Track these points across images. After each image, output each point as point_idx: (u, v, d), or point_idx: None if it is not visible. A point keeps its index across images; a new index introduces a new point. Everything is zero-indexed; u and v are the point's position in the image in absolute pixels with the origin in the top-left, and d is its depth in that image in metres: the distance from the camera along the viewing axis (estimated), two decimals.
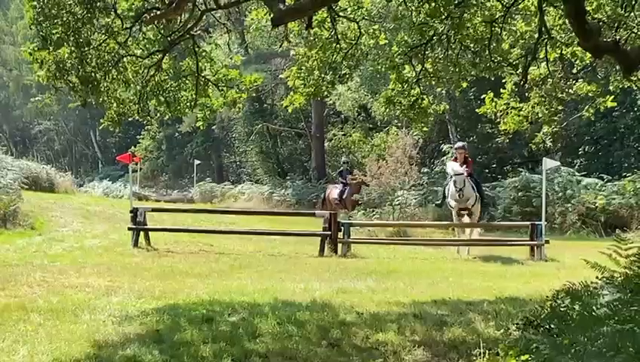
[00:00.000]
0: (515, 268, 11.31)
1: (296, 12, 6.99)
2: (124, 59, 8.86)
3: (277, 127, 35.62)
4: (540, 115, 10.33)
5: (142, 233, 13.56)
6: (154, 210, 16.39)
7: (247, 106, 30.90)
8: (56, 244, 13.03)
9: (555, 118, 10.84)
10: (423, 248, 14.36)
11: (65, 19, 7.89)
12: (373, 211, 20.88)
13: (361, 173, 20.88)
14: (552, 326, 4.04)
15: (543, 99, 10.19)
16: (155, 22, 8.43)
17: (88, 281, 8.79)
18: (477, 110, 11.85)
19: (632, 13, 8.55)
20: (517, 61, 9.47)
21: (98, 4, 7.88)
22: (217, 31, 24.15)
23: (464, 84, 10.10)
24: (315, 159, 32.99)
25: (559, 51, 9.36)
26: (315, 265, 11.31)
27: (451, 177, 13.19)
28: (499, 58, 9.21)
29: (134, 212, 13.70)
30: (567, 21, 7.80)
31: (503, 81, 10.45)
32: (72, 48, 8.13)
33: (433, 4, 7.80)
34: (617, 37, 7.71)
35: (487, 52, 8.77)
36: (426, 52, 9.10)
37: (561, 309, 4.18)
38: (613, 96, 10.57)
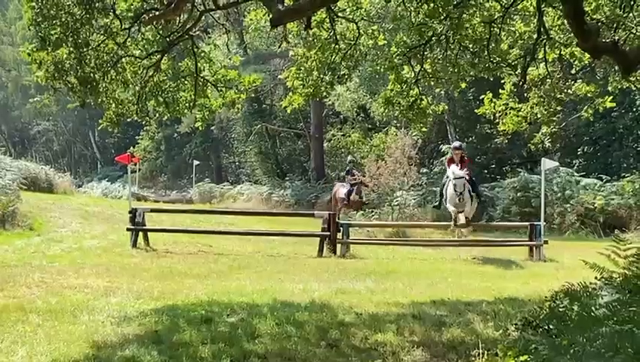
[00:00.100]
0: (513, 269, 11.32)
1: (295, 13, 7.00)
2: (123, 59, 8.86)
3: (276, 128, 35.62)
4: (538, 116, 10.34)
5: (141, 234, 13.56)
6: (153, 210, 16.38)
7: (246, 107, 30.87)
8: (55, 245, 13.02)
9: (554, 119, 10.85)
10: (421, 249, 14.35)
11: (63, 19, 7.88)
12: (372, 212, 20.87)
13: (360, 173, 20.85)
14: (551, 326, 4.03)
15: (542, 99, 10.19)
16: (154, 22, 8.43)
17: (87, 282, 8.78)
18: (476, 110, 11.86)
19: (631, 14, 8.55)
20: (516, 61, 9.47)
21: (97, 4, 7.88)
22: (216, 31, 24.18)
23: (463, 85, 10.10)
24: (314, 159, 32.98)
25: (558, 52, 9.36)
26: (314, 266, 11.31)
27: (450, 180, 13.05)
28: (498, 58, 9.22)
29: (133, 212, 13.69)
30: (565, 22, 7.80)
31: (502, 81, 10.45)
32: (71, 49, 8.13)
33: (432, 5, 7.80)
34: (616, 37, 7.71)
35: (486, 52, 8.78)
36: (425, 52, 9.10)
37: (560, 310, 4.18)
38: (611, 97, 10.57)
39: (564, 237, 18.40)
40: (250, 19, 10.47)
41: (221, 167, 44.31)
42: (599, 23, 7.91)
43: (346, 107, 28.19)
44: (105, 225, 16.79)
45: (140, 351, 5.46)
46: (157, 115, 10.51)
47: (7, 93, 55.03)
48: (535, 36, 8.44)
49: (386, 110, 10.68)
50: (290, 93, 10.16)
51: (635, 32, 8.64)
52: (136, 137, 43.69)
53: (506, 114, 10.42)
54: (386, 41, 9.81)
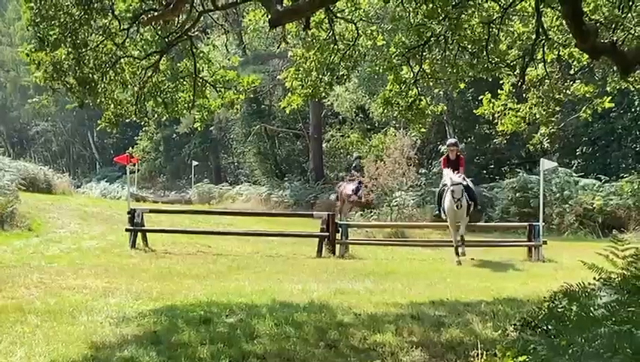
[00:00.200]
0: (512, 269, 11.32)
1: (293, 13, 6.99)
2: (122, 60, 8.86)
3: (275, 128, 35.61)
4: (537, 116, 10.34)
5: (139, 234, 13.56)
6: (151, 211, 16.38)
7: (245, 107, 30.87)
8: (54, 246, 13.01)
9: (553, 119, 10.85)
10: (420, 249, 14.36)
11: (62, 20, 7.88)
12: (371, 212, 20.88)
13: (359, 173, 20.86)
14: (550, 327, 4.03)
15: (541, 100, 10.20)
16: (153, 23, 8.43)
17: (86, 283, 8.78)
18: (475, 111, 11.86)
19: (629, 14, 8.55)
20: (514, 62, 9.48)
21: (95, 5, 7.88)
22: (215, 32, 24.12)
23: (462, 85, 10.11)
24: (313, 160, 32.97)
25: (556, 52, 9.37)
26: (312, 266, 11.31)
27: (448, 187, 12.54)
28: (496, 59, 9.22)
29: (132, 213, 13.69)
30: (564, 22, 7.80)
31: (501, 82, 10.45)
32: (70, 49, 8.13)
33: (431, 5, 7.80)
34: (614, 38, 7.72)
35: (484, 53, 8.78)
36: (424, 53, 9.10)
37: (559, 310, 4.18)
38: (610, 97, 10.58)
39: (563, 237, 18.41)
40: (249, 20, 10.46)
41: (220, 168, 44.29)
42: (598, 24, 7.92)
43: (345, 107, 28.18)
44: (104, 225, 16.79)
45: (139, 351, 5.45)
46: (156, 115, 10.51)
47: (5, 94, 55.01)
48: (534, 37, 8.44)
49: (385, 110, 10.68)
50: (289, 94, 10.16)
51: (633, 32, 8.65)
52: (135, 138, 43.64)
53: (505, 114, 10.43)
54: (384, 42, 9.82)
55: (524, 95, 10.58)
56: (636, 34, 8.62)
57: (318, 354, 5.62)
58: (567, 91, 10.42)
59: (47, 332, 5.99)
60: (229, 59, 12.86)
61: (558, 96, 10.30)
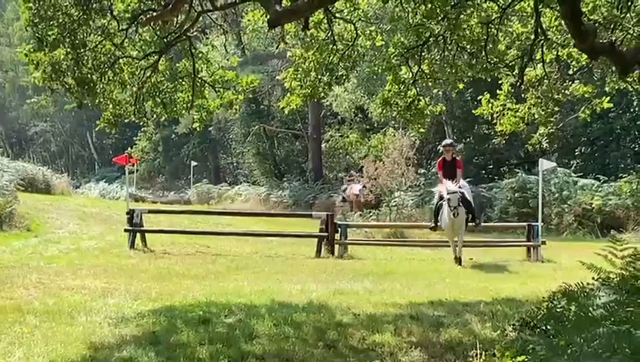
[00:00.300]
0: (511, 269, 11.31)
1: (292, 13, 6.99)
2: (121, 60, 8.85)
3: (274, 129, 35.61)
4: (536, 116, 10.35)
5: (138, 234, 13.55)
6: (150, 211, 16.37)
7: (244, 108, 30.88)
8: (53, 246, 13.01)
9: (552, 119, 10.85)
10: (419, 249, 14.35)
11: (61, 20, 7.88)
12: (370, 212, 20.89)
13: (358, 174, 20.88)
14: (549, 327, 4.03)
15: (540, 100, 10.21)
16: (152, 23, 8.42)
17: (84, 283, 8.77)
18: (473, 111, 11.86)
19: (628, 15, 8.56)
20: (513, 62, 9.49)
21: (94, 5, 7.88)
22: (214, 32, 24.13)
23: (461, 85, 10.12)
24: (312, 160, 32.98)
25: (555, 52, 9.38)
26: (311, 267, 11.31)
27: (444, 198, 11.93)
28: (495, 59, 9.23)
29: (131, 213, 13.68)
30: (563, 22, 7.81)
31: (500, 82, 10.46)
32: (68, 50, 8.13)
33: (430, 6, 7.80)
34: (613, 38, 7.73)
35: (483, 53, 8.79)
36: (423, 53, 9.11)
37: (558, 310, 4.18)
38: (609, 98, 10.59)
39: (562, 237, 18.42)
40: (248, 20, 10.47)
41: (219, 168, 44.30)
42: (596, 24, 7.93)
43: (344, 108, 28.20)
44: (102, 226, 16.78)
45: (138, 352, 5.45)
46: (154, 115, 10.52)
47: (4, 94, 54.96)
48: (532, 37, 8.45)
49: (384, 111, 10.68)
50: (288, 94, 10.17)
51: (632, 32, 8.65)
52: (134, 138, 43.61)
53: (504, 114, 10.43)
54: (383, 42, 9.82)
55: (522, 95, 10.59)
56: (635, 34, 8.62)
57: (317, 354, 5.62)
58: (566, 91, 10.43)
59: (46, 332, 5.98)
60: (227, 60, 12.86)
61: (556, 97, 10.31)
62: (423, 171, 23.73)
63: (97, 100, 9.10)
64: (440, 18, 8.03)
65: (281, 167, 35.81)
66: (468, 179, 23.52)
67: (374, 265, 11.70)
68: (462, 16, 8.25)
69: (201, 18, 9.08)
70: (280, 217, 19.99)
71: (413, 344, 5.87)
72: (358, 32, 9.24)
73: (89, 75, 8.47)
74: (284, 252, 13.48)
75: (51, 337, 5.82)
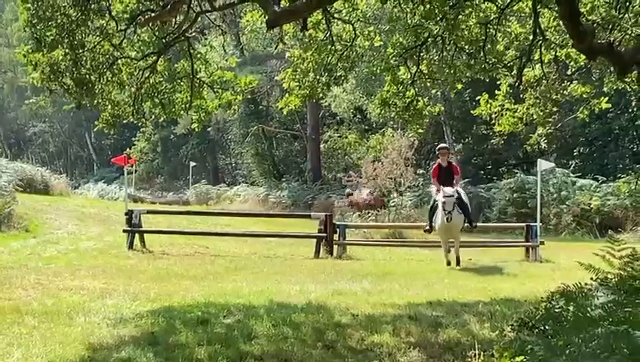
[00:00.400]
0: (510, 270, 11.31)
1: (291, 14, 6.99)
2: (119, 61, 8.85)
3: (272, 129, 35.60)
4: (534, 117, 10.35)
5: (137, 235, 13.54)
6: (149, 212, 16.35)
7: (242, 108, 30.87)
8: (51, 247, 13.00)
9: (550, 120, 10.87)
10: (418, 249, 14.35)
11: (59, 21, 7.87)
12: (368, 213, 20.89)
13: (357, 174, 20.88)
14: (547, 327, 4.03)
15: (538, 100, 10.21)
16: (150, 24, 8.42)
17: (83, 284, 8.77)
18: (472, 111, 11.87)
19: (626, 15, 8.56)
20: (512, 63, 9.49)
21: (92, 6, 7.87)
22: (212, 33, 24.11)
23: (459, 86, 10.12)
24: (311, 161, 32.98)
25: (554, 53, 9.38)
26: (310, 267, 11.31)
27: (439, 201, 11.69)
28: (493, 60, 9.23)
29: (129, 214, 13.68)
30: (561, 23, 7.81)
31: (498, 82, 10.46)
32: (67, 50, 8.12)
33: (428, 6, 7.81)
34: (611, 38, 7.73)
35: (481, 54, 8.79)
36: (421, 54, 9.10)
37: (556, 310, 4.18)
38: (607, 98, 10.59)
39: (561, 237, 18.44)
40: (247, 21, 10.48)
41: (218, 169, 44.26)
42: (595, 24, 7.92)
43: (343, 108, 28.22)
44: (101, 226, 16.78)
45: (136, 352, 5.45)
46: (153, 116, 10.52)
47: (3, 95, 54.90)
48: (531, 37, 8.46)
49: (383, 111, 10.68)
50: (287, 95, 10.16)
51: (630, 33, 8.65)
52: (133, 139, 43.59)
53: (502, 115, 10.44)
54: (382, 43, 9.82)
55: (521, 95, 10.59)
56: (633, 34, 8.62)
57: (316, 354, 5.62)
58: (565, 92, 10.43)
59: (45, 333, 5.98)
60: (226, 60, 12.86)
61: (555, 97, 10.31)
62: (421, 172, 23.74)
63: (96, 101, 9.09)
64: (438, 18, 8.03)
65: (280, 167, 35.81)
66: (466, 180, 23.68)
67: (373, 266, 11.70)
68: (460, 16, 8.25)
69: (199, 19, 9.07)
70: (279, 218, 20.00)
71: (411, 344, 5.87)
72: (357, 32, 9.24)
73: (87, 76, 8.47)
74: (282, 252, 13.48)
75: (50, 338, 5.82)
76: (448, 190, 11.59)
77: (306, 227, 15.90)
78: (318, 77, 9.63)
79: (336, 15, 9.00)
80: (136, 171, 39.61)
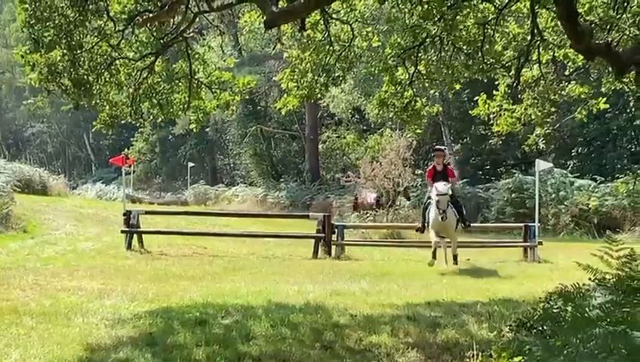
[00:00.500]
0: (508, 270, 11.33)
1: (289, 14, 6.99)
2: (117, 61, 8.84)
3: (271, 129, 35.59)
4: (532, 117, 10.36)
5: (135, 236, 13.53)
6: (147, 212, 16.32)
7: (240, 108, 30.85)
8: (49, 247, 12.99)
9: (548, 120, 10.87)
10: (416, 250, 14.31)
11: (57, 21, 7.86)
12: (367, 213, 20.89)
13: (355, 175, 20.88)
14: (545, 327, 4.04)
15: (536, 100, 10.23)
16: (148, 24, 8.41)
17: (81, 284, 8.75)
18: (470, 112, 11.87)
19: (624, 15, 8.57)
20: (510, 63, 9.50)
21: (90, 6, 7.85)
22: (210, 33, 24.12)
23: (457, 86, 10.15)
24: (309, 161, 32.98)
25: (552, 53, 9.40)
26: (308, 268, 11.31)
27: (432, 199, 11.60)
28: (492, 60, 9.25)
29: (127, 214, 13.67)
30: (559, 23, 7.82)
31: (496, 82, 10.47)
32: (65, 51, 8.11)
33: (426, 7, 7.81)
34: (609, 39, 7.74)
35: (479, 54, 8.80)
36: (419, 54, 9.11)
37: (554, 311, 4.18)
38: (605, 98, 10.62)
39: (559, 238, 18.46)
40: (245, 21, 10.46)
41: (216, 169, 44.23)
42: (592, 25, 7.94)
43: (341, 109, 28.23)
44: (99, 227, 16.76)
45: (134, 353, 5.44)
46: (151, 116, 10.49)
47: (1, 96, 54.80)
48: (529, 38, 8.47)
49: (381, 111, 10.68)
50: (285, 95, 10.17)
51: (628, 33, 8.66)
52: (131, 139, 43.53)
53: (500, 115, 10.45)
54: (380, 43, 9.83)
55: (519, 96, 10.60)
56: (631, 35, 8.63)
57: (314, 355, 5.62)
58: (563, 92, 10.45)
59: (42, 334, 5.98)
60: (224, 61, 12.87)
61: (553, 97, 10.33)
62: (419, 172, 23.73)
63: (94, 101, 9.08)
64: (436, 19, 8.04)
65: (278, 167, 35.80)
66: (465, 180, 23.70)
67: (371, 266, 11.70)
68: (458, 17, 8.26)
69: (197, 19, 9.06)
70: (277, 218, 19.99)
71: (410, 345, 5.88)
72: (355, 32, 9.25)
73: (85, 76, 8.46)
74: (281, 253, 13.47)
75: (48, 338, 5.81)
76: (441, 187, 11.40)
77: (304, 227, 15.90)
78: (316, 77, 9.63)
79: (334, 15, 9.01)
80: (134, 172, 39.54)
